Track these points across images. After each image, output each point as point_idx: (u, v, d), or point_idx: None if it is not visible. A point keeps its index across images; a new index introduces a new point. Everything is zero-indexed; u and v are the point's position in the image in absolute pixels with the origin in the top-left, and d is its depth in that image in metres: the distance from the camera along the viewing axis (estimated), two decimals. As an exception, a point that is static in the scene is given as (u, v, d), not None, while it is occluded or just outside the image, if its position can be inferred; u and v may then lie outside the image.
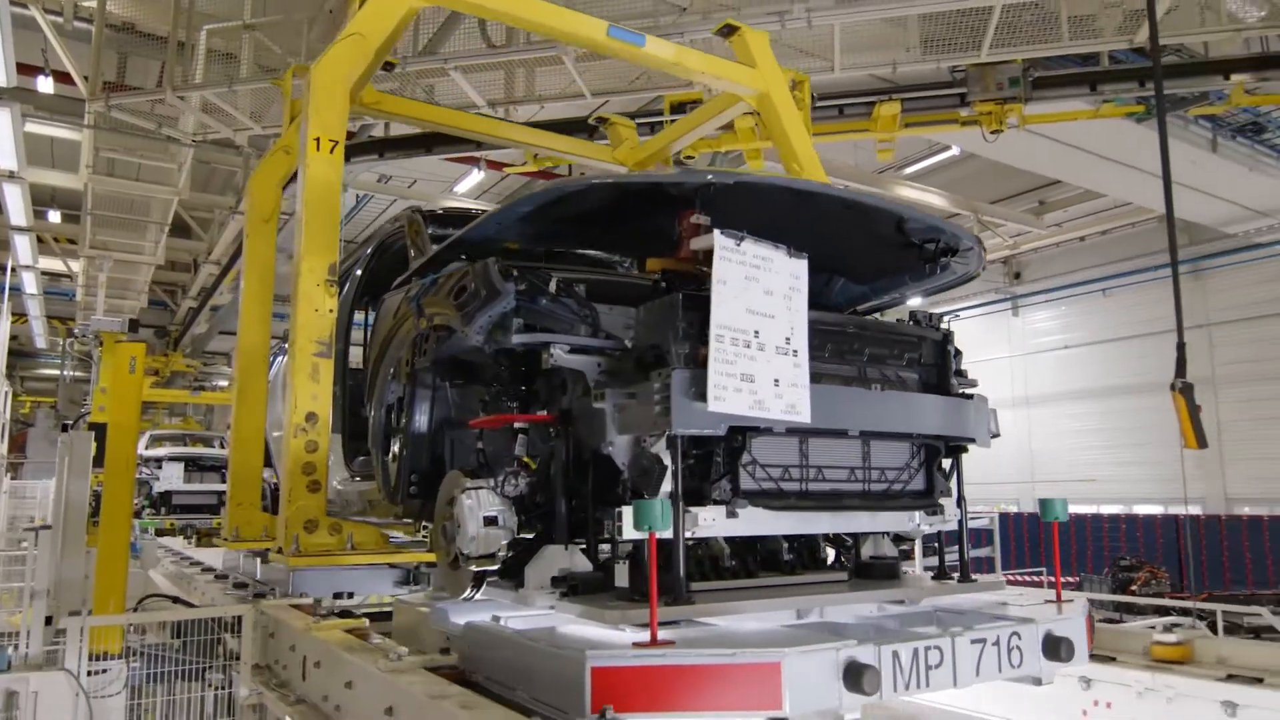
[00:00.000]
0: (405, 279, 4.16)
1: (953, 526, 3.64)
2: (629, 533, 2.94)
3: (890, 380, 3.40)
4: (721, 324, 2.85)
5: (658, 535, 2.83)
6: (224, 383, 25.19)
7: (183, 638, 4.95)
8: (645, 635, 2.75)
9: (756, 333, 2.93)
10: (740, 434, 2.96)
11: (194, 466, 17.71)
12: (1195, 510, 18.39)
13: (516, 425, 3.54)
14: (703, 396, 2.84)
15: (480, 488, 3.25)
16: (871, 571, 3.65)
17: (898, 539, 3.96)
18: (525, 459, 3.44)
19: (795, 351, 3.01)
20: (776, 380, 2.95)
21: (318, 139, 3.92)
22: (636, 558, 2.98)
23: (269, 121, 9.07)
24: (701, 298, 3.00)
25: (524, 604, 3.25)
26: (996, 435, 3.69)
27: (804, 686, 2.46)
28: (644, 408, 2.97)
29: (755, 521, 3.08)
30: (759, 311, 2.95)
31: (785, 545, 3.60)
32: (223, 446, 20.33)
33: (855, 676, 2.50)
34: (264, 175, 5.40)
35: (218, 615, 4.91)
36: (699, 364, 2.91)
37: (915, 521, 3.62)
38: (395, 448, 4.02)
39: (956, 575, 3.68)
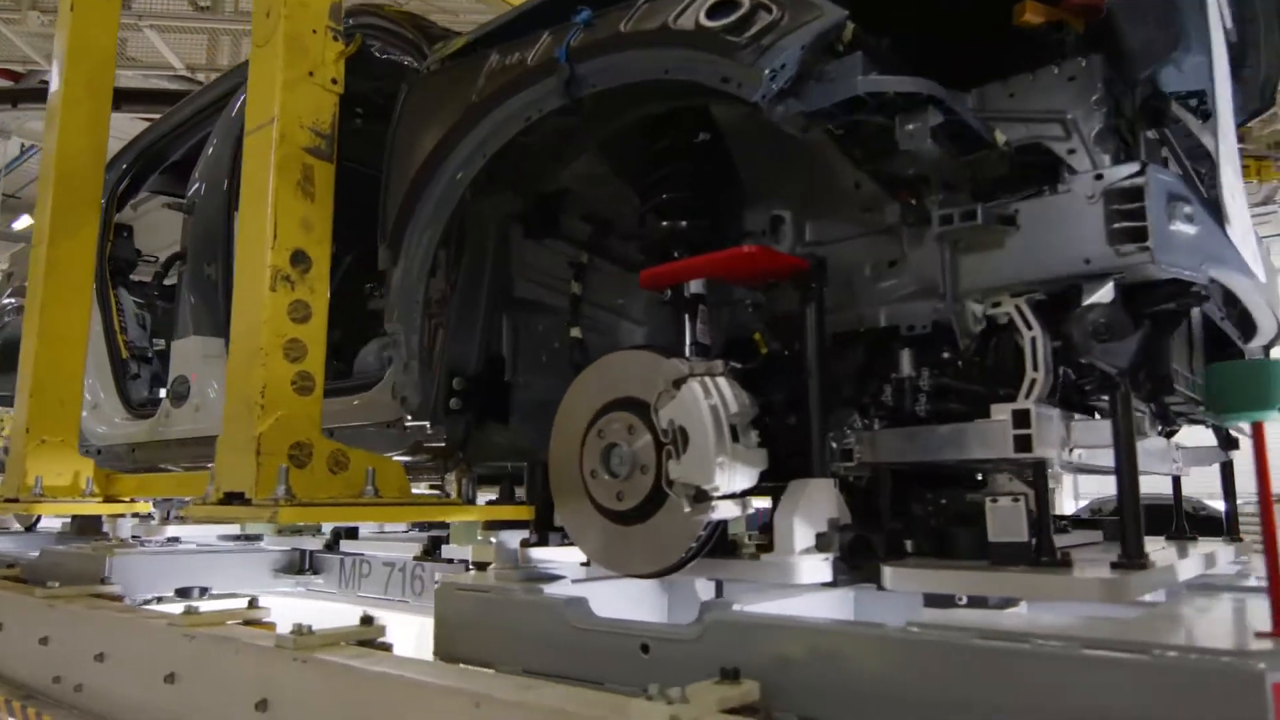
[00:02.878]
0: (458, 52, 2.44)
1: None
2: (1048, 448, 1.71)
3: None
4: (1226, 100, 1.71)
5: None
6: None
7: None
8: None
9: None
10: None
11: None
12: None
13: (693, 289, 2.14)
14: (1197, 218, 1.68)
15: (715, 373, 1.83)
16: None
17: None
18: (757, 337, 2.06)
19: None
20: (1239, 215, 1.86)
21: None
22: (1041, 497, 1.74)
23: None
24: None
25: (776, 576, 1.88)
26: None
27: None
28: (1056, 235, 1.75)
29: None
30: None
31: None
32: None
33: None
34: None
35: None
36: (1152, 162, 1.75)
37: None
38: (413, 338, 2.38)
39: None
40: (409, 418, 2.37)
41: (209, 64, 8.88)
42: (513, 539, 2.34)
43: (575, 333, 2.48)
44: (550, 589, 2.12)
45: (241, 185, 2.21)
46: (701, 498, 1.78)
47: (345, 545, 3.65)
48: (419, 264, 2.28)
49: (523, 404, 2.47)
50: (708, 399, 1.78)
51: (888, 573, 1.78)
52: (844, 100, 1.68)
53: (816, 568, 1.86)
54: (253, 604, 2.59)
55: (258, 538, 4.11)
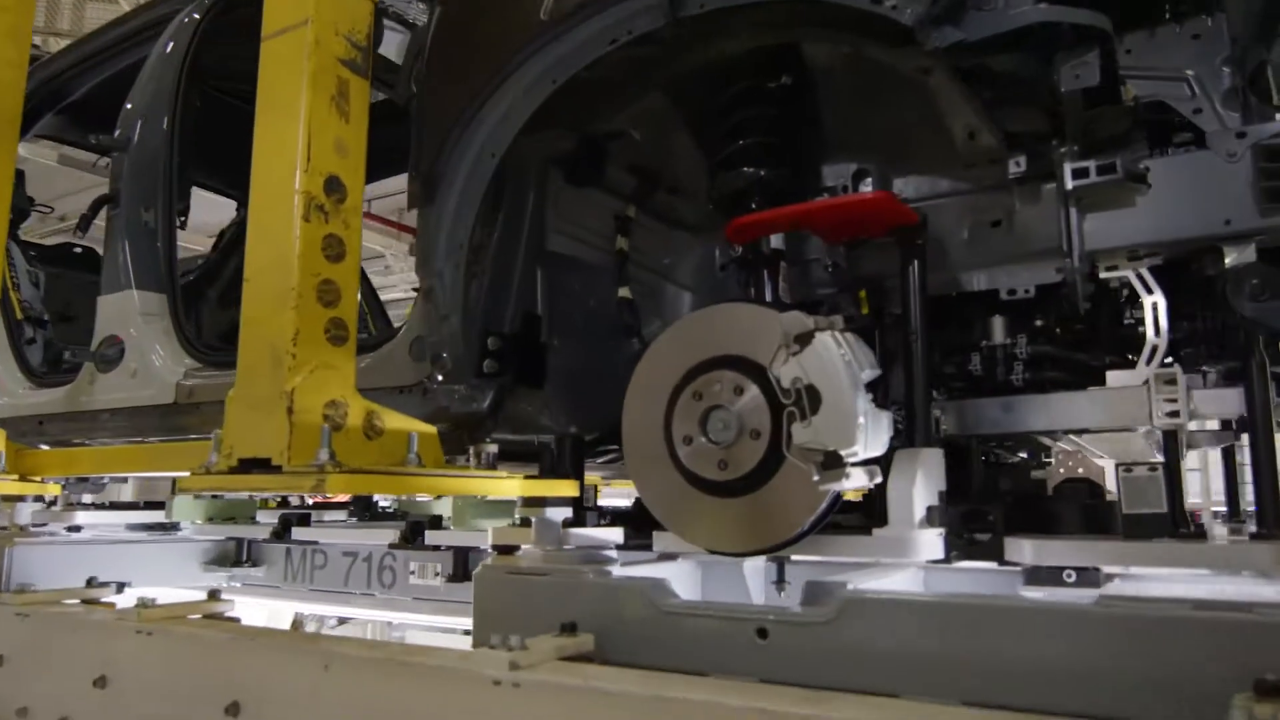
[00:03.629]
0: None
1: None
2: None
3: None
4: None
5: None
6: None
7: None
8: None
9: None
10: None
11: None
12: None
13: (774, 244, 1.99)
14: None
15: (838, 328, 1.66)
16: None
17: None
18: (863, 295, 1.91)
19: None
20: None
21: None
22: (1174, 467, 1.66)
23: None
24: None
25: (894, 552, 1.73)
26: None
27: None
28: (1193, 194, 1.68)
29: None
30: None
31: None
32: None
33: None
34: None
35: None
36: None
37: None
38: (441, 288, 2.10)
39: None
40: (438, 379, 2.09)
41: (48, 27, 8.25)
42: (552, 518, 2.09)
43: (624, 292, 2.26)
44: (616, 571, 1.89)
45: (260, 98, 1.87)
46: (833, 463, 1.60)
47: (296, 534, 3.25)
48: (467, 203, 2.00)
49: (557, 370, 2.23)
50: (842, 354, 1.61)
51: (1026, 546, 1.66)
52: (1007, 32, 1.56)
53: (933, 542, 1.73)
54: (90, 583, 2.53)
55: (175, 526, 3.63)
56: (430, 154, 2.05)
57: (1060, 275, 1.81)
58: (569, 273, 2.30)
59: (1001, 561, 1.72)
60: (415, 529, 2.87)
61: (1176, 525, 1.63)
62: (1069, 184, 1.70)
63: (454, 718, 1.46)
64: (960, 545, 1.75)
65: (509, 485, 1.95)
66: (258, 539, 3.30)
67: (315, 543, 3.17)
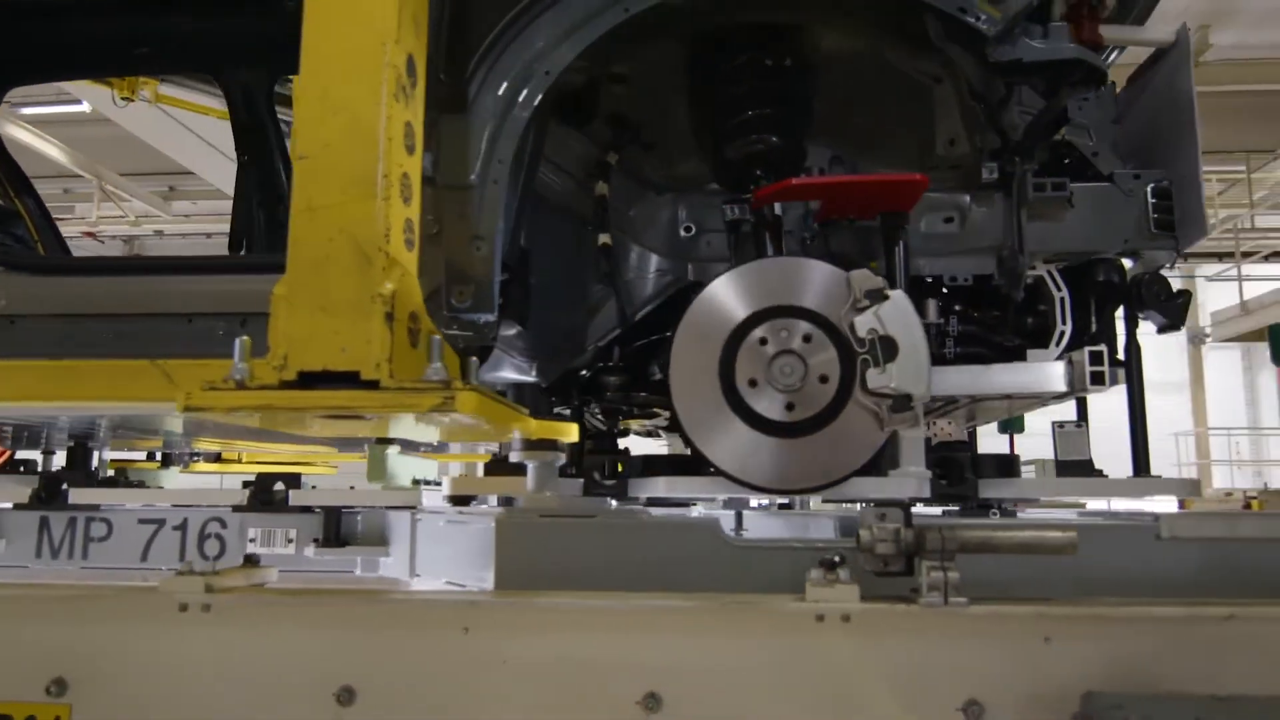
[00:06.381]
0: None
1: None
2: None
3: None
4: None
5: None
6: None
7: None
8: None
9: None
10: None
11: None
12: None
13: (777, 211, 2.17)
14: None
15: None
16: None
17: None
18: (873, 266, 2.13)
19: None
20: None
21: None
22: (1085, 426, 2.14)
23: None
24: None
25: (909, 490, 1.98)
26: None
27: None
28: (1102, 216, 2.18)
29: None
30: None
31: None
32: None
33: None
34: None
35: None
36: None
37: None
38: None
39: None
40: (450, 304, 1.89)
41: None
42: (555, 464, 1.99)
43: (604, 238, 2.22)
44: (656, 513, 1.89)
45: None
46: (901, 406, 1.80)
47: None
48: (516, 117, 1.85)
49: (535, 312, 2.13)
50: (907, 311, 1.82)
51: (1000, 486, 2.01)
52: (1045, 60, 1.90)
53: (913, 482, 2.01)
54: None
55: None
56: (465, 55, 1.86)
57: (999, 269, 2.20)
58: (545, 213, 2.21)
59: (978, 500, 2.06)
60: (265, 487, 2.46)
61: (1092, 469, 2.11)
62: (1030, 194, 2.11)
63: (143, 646, 1.55)
64: (940, 488, 2.05)
65: (524, 423, 1.84)
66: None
67: (96, 507, 2.54)
